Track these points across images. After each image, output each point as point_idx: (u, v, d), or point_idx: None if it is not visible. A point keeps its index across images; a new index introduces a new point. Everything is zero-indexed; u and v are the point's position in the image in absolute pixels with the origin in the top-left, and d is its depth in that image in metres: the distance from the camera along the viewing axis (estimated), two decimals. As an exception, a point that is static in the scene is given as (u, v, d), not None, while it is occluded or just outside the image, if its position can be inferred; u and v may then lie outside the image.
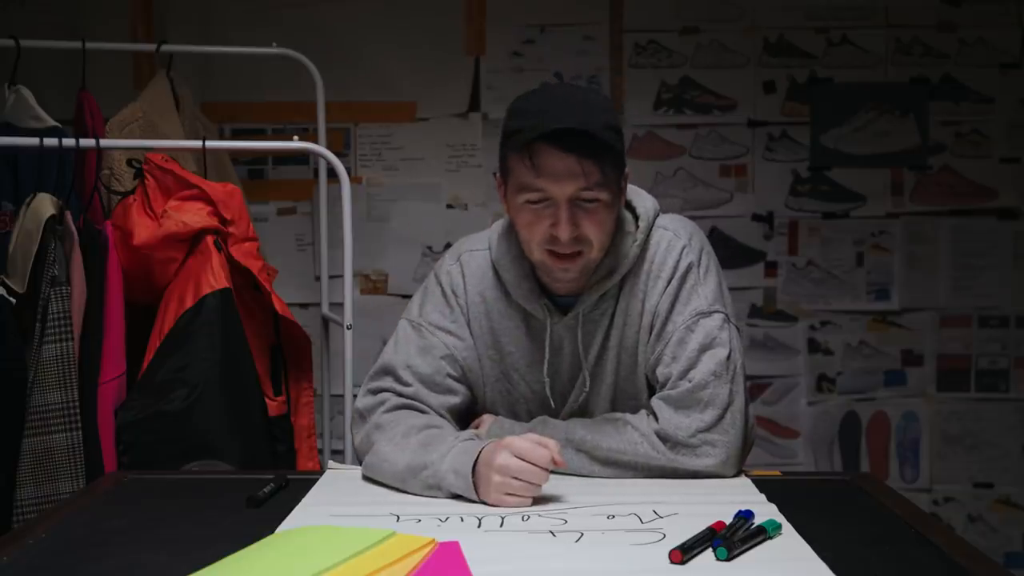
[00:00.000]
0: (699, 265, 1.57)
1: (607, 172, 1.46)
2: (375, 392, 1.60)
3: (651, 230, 1.58)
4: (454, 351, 1.60)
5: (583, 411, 1.61)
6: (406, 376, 1.58)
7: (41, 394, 2.00)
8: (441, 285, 1.65)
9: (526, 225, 1.49)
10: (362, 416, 1.58)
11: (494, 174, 1.60)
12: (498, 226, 1.66)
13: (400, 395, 1.57)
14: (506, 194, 1.54)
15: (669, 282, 1.55)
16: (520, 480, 1.34)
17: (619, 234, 1.56)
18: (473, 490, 1.37)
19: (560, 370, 1.60)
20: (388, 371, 1.60)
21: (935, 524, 1.34)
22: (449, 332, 1.62)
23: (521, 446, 1.36)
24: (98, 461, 2.06)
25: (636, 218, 1.60)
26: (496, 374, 1.62)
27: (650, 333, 1.56)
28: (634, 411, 1.56)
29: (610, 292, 1.57)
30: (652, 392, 1.57)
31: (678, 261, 1.56)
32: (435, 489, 1.40)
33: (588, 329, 1.58)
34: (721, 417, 1.49)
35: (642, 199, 1.62)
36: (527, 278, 1.58)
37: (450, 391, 1.59)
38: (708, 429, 1.49)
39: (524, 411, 1.63)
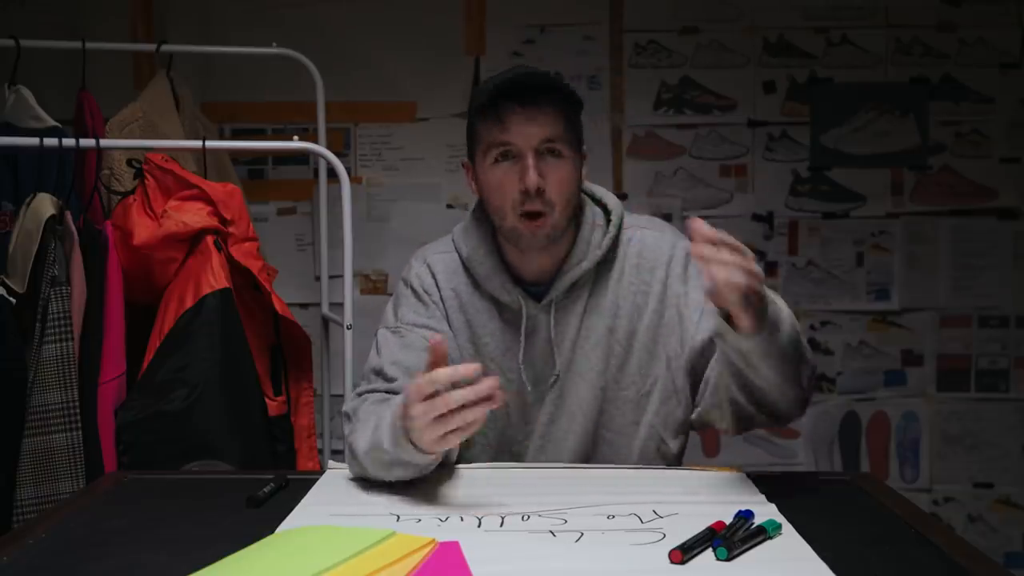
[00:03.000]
0: None
1: (568, 128, 1.55)
2: (362, 394, 1.62)
3: (622, 226, 1.65)
4: None
5: (560, 397, 1.63)
6: (392, 372, 1.59)
7: (41, 394, 2.01)
8: (412, 287, 1.69)
9: (496, 187, 1.56)
10: (348, 418, 1.59)
11: (462, 163, 1.67)
12: (459, 228, 1.72)
13: (385, 391, 1.58)
14: (475, 174, 1.61)
15: (669, 267, 1.63)
16: (426, 400, 1.28)
17: (587, 226, 1.63)
18: (407, 440, 1.33)
19: (535, 357, 1.63)
20: (375, 372, 1.63)
21: (935, 524, 1.33)
22: (428, 327, 1.64)
23: (410, 386, 1.31)
24: (98, 461, 2.06)
25: (606, 213, 1.67)
26: None
27: (660, 318, 1.61)
28: (624, 403, 1.62)
29: (582, 281, 1.62)
30: (658, 375, 1.61)
31: (672, 251, 1.64)
32: (394, 466, 1.38)
33: (560, 316, 1.62)
34: None
35: (609, 197, 1.70)
36: (500, 270, 1.63)
37: None
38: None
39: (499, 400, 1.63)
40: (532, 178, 1.52)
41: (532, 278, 1.64)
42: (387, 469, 1.41)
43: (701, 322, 1.57)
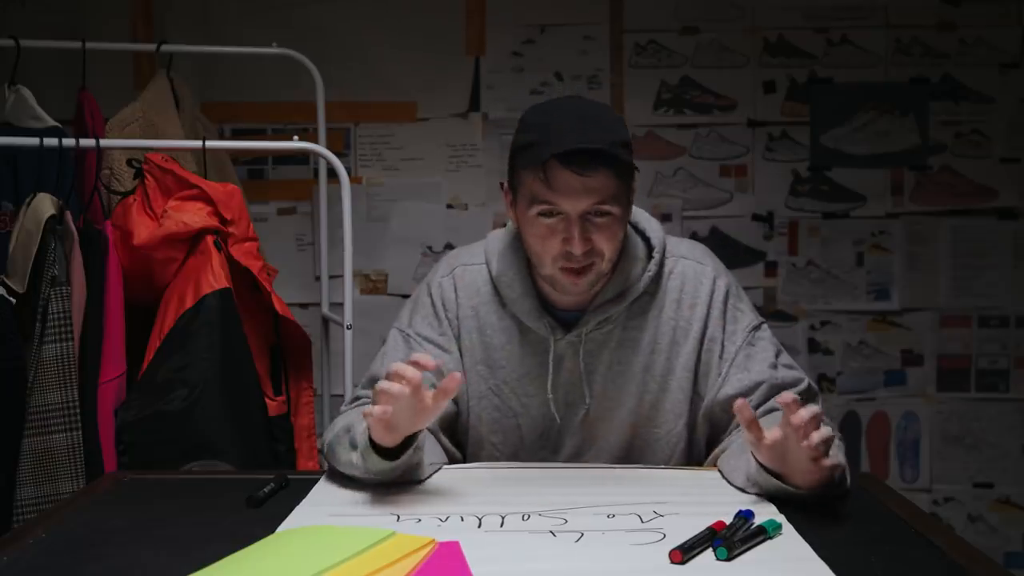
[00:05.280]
0: (733, 286, 1.62)
1: (619, 188, 1.47)
2: (357, 399, 1.62)
3: (663, 260, 1.60)
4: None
5: (589, 431, 1.60)
6: None
7: (41, 394, 2.01)
8: (432, 297, 1.65)
9: (538, 239, 1.49)
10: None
11: (501, 184, 1.59)
12: (495, 240, 1.65)
13: None
14: (514, 204, 1.54)
15: (709, 307, 1.58)
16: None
17: (627, 258, 1.57)
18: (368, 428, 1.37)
19: (561, 387, 1.59)
20: (373, 381, 1.60)
21: (935, 524, 1.33)
22: (436, 344, 1.62)
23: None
24: (98, 461, 2.06)
25: (647, 244, 1.61)
26: (483, 389, 1.61)
27: (698, 358, 1.58)
28: (655, 441, 1.59)
29: (616, 315, 1.57)
30: (693, 415, 1.59)
31: (713, 287, 1.59)
32: (353, 449, 1.41)
33: (590, 348, 1.58)
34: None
35: (651, 224, 1.64)
36: (530, 295, 1.58)
37: None
38: None
39: (513, 424, 1.61)
40: (578, 246, 1.45)
41: (563, 306, 1.58)
42: (348, 448, 1.42)
43: (728, 375, 1.56)
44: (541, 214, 1.47)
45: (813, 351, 3.17)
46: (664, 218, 3.13)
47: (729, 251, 3.13)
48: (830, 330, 3.17)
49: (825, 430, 1.28)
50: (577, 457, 1.60)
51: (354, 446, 1.42)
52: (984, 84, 3.12)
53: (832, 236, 3.16)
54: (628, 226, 1.60)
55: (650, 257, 1.59)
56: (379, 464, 1.39)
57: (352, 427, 1.44)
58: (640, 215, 1.64)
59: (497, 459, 1.61)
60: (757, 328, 1.60)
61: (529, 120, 1.50)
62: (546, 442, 1.61)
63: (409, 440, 1.39)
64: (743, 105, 3.14)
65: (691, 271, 1.60)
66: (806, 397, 1.55)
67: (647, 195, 3.14)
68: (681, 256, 1.62)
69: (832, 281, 3.17)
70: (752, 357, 1.56)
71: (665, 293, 1.59)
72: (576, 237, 1.45)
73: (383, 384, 1.32)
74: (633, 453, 1.60)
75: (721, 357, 1.57)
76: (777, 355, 1.59)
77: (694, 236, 3.12)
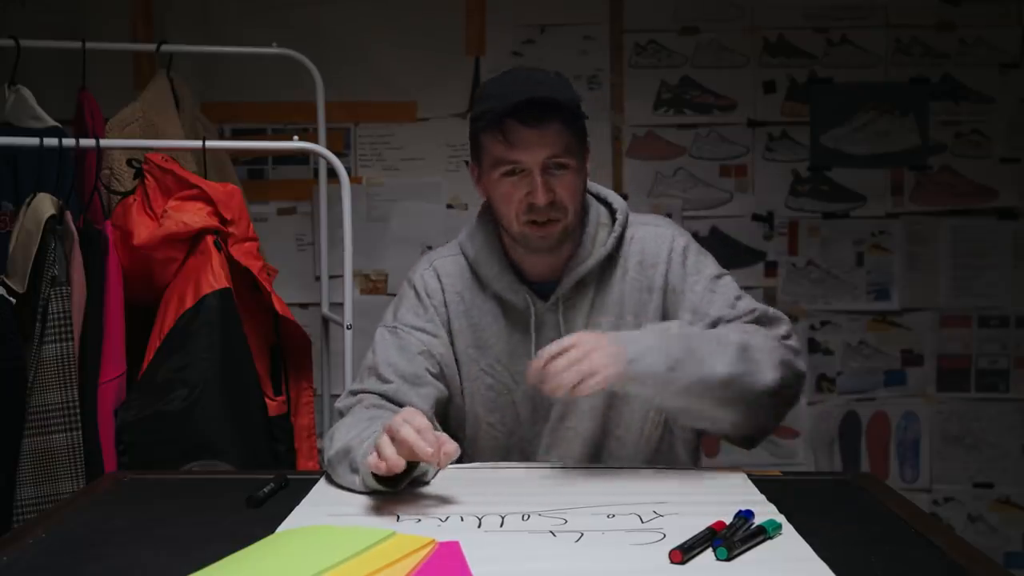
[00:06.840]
0: (693, 244, 1.69)
1: (573, 141, 1.56)
2: (355, 393, 1.63)
3: (627, 224, 1.67)
4: (430, 347, 1.65)
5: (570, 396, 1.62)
6: (387, 373, 1.61)
7: (41, 394, 2.01)
8: (415, 289, 1.71)
9: (504, 198, 1.58)
10: (340, 415, 1.61)
11: (466, 162, 1.65)
12: (464, 229, 1.73)
13: (380, 393, 1.59)
14: (480, 176, 1.62)
15: (669, 262, 1.65)
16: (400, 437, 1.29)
17: (593, 225, 1.65)
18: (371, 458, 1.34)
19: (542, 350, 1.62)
20: (370, 372, 1.65)
21: (935, 524, 1.33)
22: (424, 331, 1.66)
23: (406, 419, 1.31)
24: (98, 461, 2.06)
25: (612, 213, 1.69)
26: (476, 371, 1.66)
27: (663, 309, 1.64)
28: (632, 399, 1.62)
29: (588, 279, 1.64)
30: None
31: (671, 245, 1.67)
32: (354, 473, 1.41)
33: (569, 315, 1.64)
34: (791, 332, 1.62)
35: (613, 195, 1.72)
36: (507, 270, 1.65)
37: (430, 385, 1.62)
38: (790, 337, 1.60)
39: (508, 401, 1.65)
40: (541, 196, 1.54)
41: (538, 278, 1.65)
42: (349, 471, 1.42)
43: (693, 324, 1.60)
44: (504, 174, 1.56)
45: (813, 351, 3.17)
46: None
47: (729, 251, 3.13)
48: (830, 330, 3.17)
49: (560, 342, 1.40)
50: (560, 422, 1.63)
51: (354, 470, 1.42)
52: (984, 84, 3.12)
53: (832, 236, 3.16)
54: (592, 197, 1.69)
55: (614, 220, 1.67)
56: (381, 489, 1.38)
57: (352, 451, 1.43)
58: (602, 189, 1.73)
59: (496, 439, 1.66)
60: (719, 278, 1.65)
61: (485, 91, 1.61)
62: (538, 413, 1.64)
63: (411, 466, 1.37)
64: (743, 105, 3.14)
65: (651, 234, 1.68)
66: (760, 321, 1.59)
67: (647, 195, 3.14)
68: (643, 223, 1.70)
69: (832, 281, 3.17)
70: (712, 302, 1.62)
71: (628, 257, 1.66)
72: (538, 187, 1.53)
73: (407, 434, 1.27)
74: (612, 412, 1.63)
75: (682, 306, 1.63)
76: (738, 298, 1.63)
77: (694, 236, 3.11)
